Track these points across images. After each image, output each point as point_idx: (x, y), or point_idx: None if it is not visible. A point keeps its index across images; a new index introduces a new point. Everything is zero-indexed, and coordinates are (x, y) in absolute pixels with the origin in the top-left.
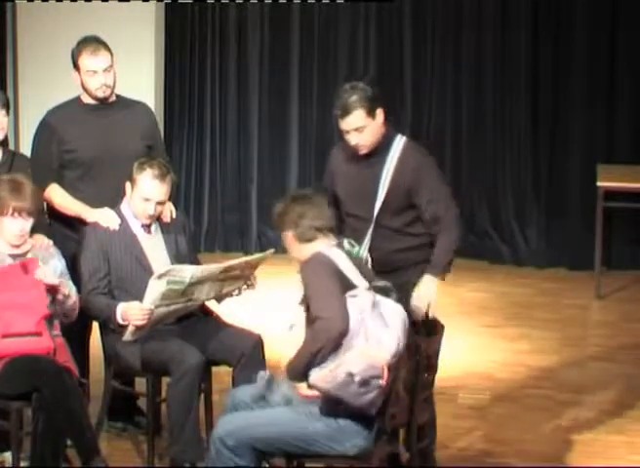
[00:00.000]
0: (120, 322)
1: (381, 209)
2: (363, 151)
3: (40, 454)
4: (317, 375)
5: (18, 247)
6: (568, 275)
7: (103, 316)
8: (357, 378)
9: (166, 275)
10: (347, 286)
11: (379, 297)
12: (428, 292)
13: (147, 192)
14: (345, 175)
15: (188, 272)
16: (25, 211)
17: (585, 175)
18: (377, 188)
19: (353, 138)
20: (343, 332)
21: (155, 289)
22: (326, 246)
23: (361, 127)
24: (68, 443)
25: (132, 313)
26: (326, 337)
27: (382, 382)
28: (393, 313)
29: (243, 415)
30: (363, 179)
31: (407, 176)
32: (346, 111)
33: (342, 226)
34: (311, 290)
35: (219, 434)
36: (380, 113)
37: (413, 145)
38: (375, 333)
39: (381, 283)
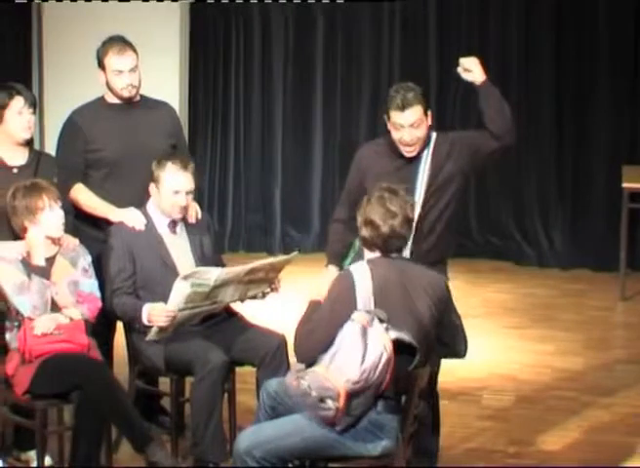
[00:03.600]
0: (145, 323)
1: (423, 203)
2: (412, 152)
3: (85, 452)
4: (291, 372)
5: (57, 242)
6: (592, 276)
7: (129, 316)
8: (314, 393)
9: (191, 277)
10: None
11: (376, 326)
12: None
13: (175, 184)
14: (379, 173)
15: (213, 275)
16: (54, 195)
17: (610, 176)
18: (415, 184)
19: (407, 134)
20: (302, 360)
21: (180, 291)
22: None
23: (417, 122)
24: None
25: (156, 314)
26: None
27: (337, 404)
28: (376, 346)
29: (265, 427)
30: (401, 176)
31: (443, 153)
32: (406, 106)
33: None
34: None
35: (244, 447)
36: (429, 114)
37: (439, 133)
38: (342, 360)
39: (381, 313)
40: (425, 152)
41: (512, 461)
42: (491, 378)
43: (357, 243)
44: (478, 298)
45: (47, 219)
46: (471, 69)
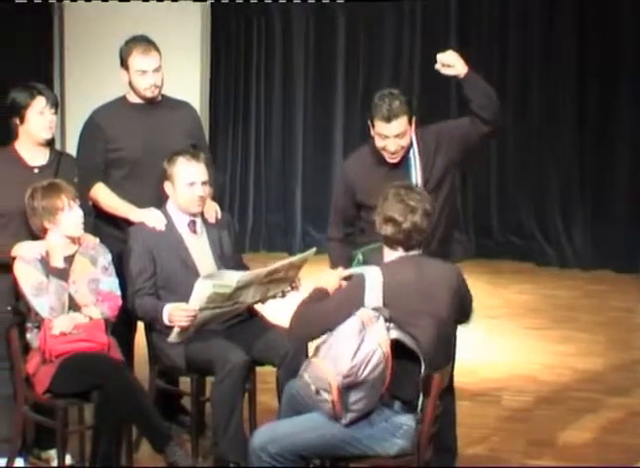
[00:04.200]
0: (167, 323)
1: None
2: (396, 159)
3: (105, 452)
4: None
5: (77, 241)
6: (614, 277)
7: (150, 317)
8: (312, 385)
9: (213, 277)
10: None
11: (378, 324)
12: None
13: (189, 175)
14: (371, 185)
15: (235, 277)
16: (73, 195)
17: (632, 176)
18: (410, 181)
19: (392, 144)
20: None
21: (201, 290)
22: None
23: (402, 133)
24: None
25: (177, 314)
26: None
27: (331, 397)
28: (371, 343)
29: (282, 424)
30: (393, 179)
31: (431, 147)
32: (392, 117)
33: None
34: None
35: (259, 442)
36: (413, 121)
37: (419, 129)
38: (336, 353)
39: (386, 312)
40: (411, 153)
41: (532, 462)
42: (511, 379)
43: (360, 255)
44: (500, 299)
45: (66, 219)
46: (452, 64)
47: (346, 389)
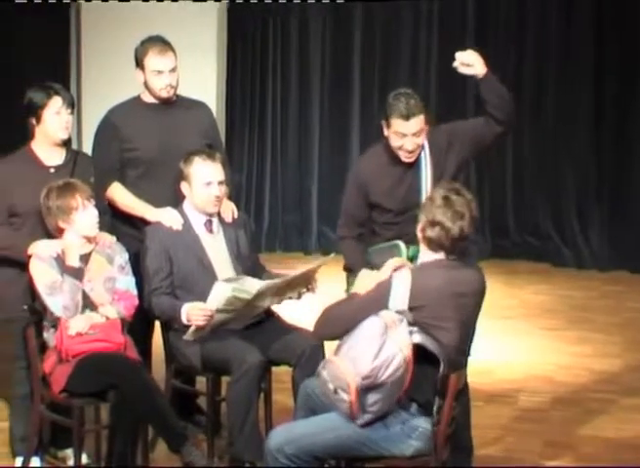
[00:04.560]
0: (185, 322)
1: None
2: (412, 159)
3: (121, 451)
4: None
5: (93, 240)
6: (630, 278)
7: (167, 316)
8: (330, 384)
9: (234, 282)
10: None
11: (402, 327)
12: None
13: (205, 175)
14: (386, 185)
15: (255, 286)
16: (88, 194)
17: None
18: (420, 185)
19: (410, 143)
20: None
21: (220, 292)
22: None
23: (419, 131)
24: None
25: (194, 313)
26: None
27: (350, 397)
28: (392, 345)
29: (298, 424)
30: (407, 183)
31: (442, 146)
32: (410, 115)
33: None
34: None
35: (276, 443)
36: (428, 121)
37: (431, 128)
38: (356, 353)
39: (409, 315)
40: (423, 154)
41: (548, 463)
42: (528, 380)
43: (402, 247)
44: (516, 300)
45: (80, 219)
46: (472, 63)
47: (365, 390)
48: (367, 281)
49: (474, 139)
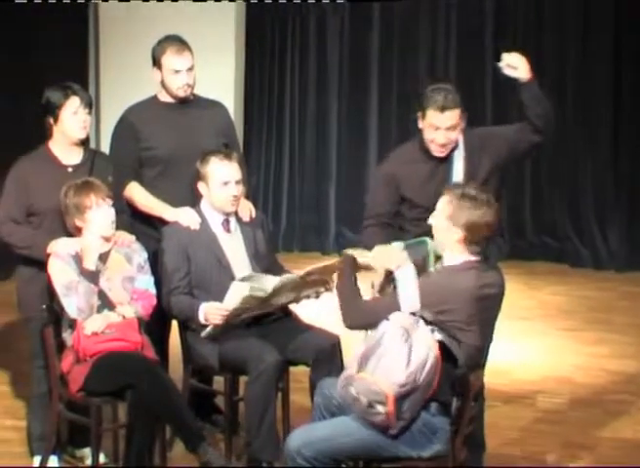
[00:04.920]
0: (202, 321)
1: None
2: (443, 153)
3: (138, 451)
4: (340, 381)
5: (109, 239)
6: None
7: (185, 315)
8: (363, 399)
9: (250, 280)
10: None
11: (421, 327)
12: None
13: (223, 175)
14: (417, 181)
15: (271, 283)
16: (104, 194)
17: None
18: (452, 178)
19: (442, 136)
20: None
21: (237, 291)
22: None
23: (454, 125)
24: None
25: (211, 312)
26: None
27: (387, 409)
28: (421, 348)
29: (317, 426)
30: (438, 180)
31: (476, 147)
32: (446, 108)
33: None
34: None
35: (295, 446)
36: (464, 117)
37: (466, 128)
38: (387, 364)
39: (428, 315)
40: (457, 151)
41: (567, 464)
42: (546, 381)
43: (429, 244)
44: (533, 300)
45: (94, 218)
46: (517, 66)
47: (402, 398)
48: (382, 254)
49: (509, 145)
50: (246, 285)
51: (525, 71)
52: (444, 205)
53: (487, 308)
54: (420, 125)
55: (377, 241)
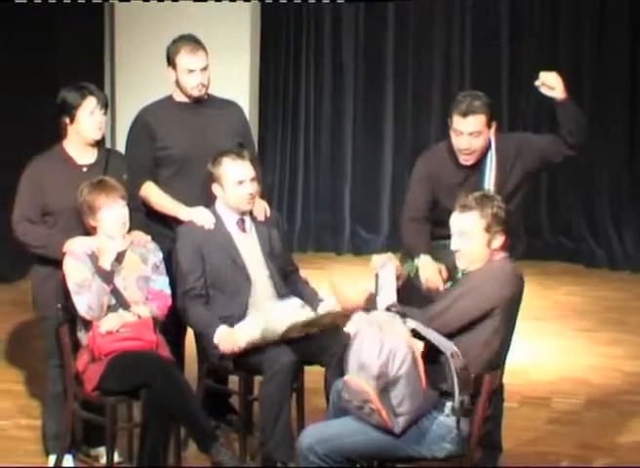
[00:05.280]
0: (215, 342)
1: None
2: (468, 160)
3: (151, 450)
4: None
5: (124, 237)
6: None
7: (199, 330)
8: (354, 402)
9: (263, 321)
10: None
11: (395, 322)
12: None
13: (237, 174)
14: (449, 185)
15: (283, 325)
16: (116, 194)
17: None
18: (483, 185)
19: (465, 142)
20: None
21: (249, 334)
22: None
23: (477, 132)
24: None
25: (225, 339)
26: None
27: (374, 406)
28: (391, 338)
29: (330, 424)
30: (471, 186)
31: (511, 154)
32: (469, 113)
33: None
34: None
35: (307, 443)
36: (493, 125)
37: (501, 135)
38: (362, 360)
39: (401, 308)
40: (489, 159)
41: (582, 465)
42: (561, 382)
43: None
44: (548, 301)
45: (105, 218)
46: (553, 86)
47: (385, 391)
48: (431, 268)
49: (543, 157)
50: (258, 328)
51: (560, 91)
52: (475, 221)
53: (517, 302)
54: (450, 131)
55: (417, 242)
